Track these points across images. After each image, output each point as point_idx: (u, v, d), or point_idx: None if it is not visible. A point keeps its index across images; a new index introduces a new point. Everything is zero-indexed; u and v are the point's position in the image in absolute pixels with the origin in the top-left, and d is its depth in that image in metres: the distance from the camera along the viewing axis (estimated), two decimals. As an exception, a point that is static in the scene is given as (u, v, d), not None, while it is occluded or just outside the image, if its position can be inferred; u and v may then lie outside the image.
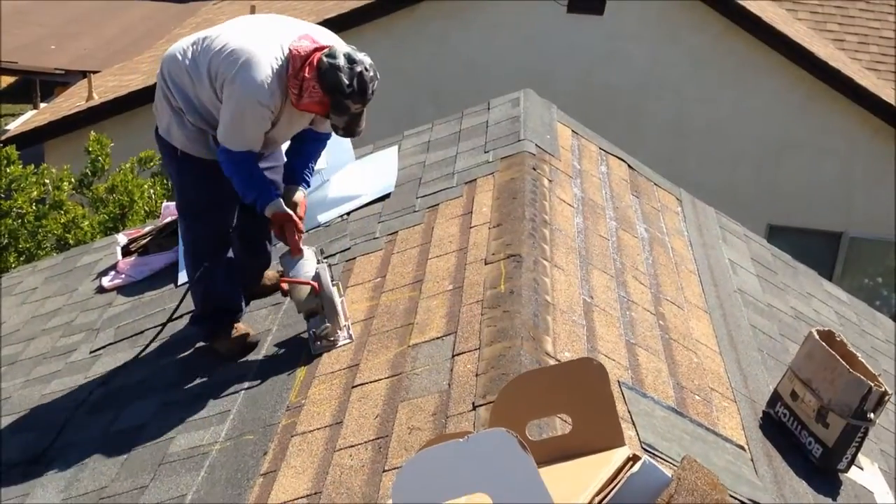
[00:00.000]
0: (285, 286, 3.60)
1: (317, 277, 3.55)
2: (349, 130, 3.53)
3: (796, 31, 11.08)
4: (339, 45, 3.52)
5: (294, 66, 3.45)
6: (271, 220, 3.66)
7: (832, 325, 4.61)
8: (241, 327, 3.82)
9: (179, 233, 4.06)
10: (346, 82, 3.38)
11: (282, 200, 3.65)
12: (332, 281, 3.57)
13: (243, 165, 3.56)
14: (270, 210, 3.62)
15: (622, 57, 10.91)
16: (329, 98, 3.42)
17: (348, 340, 3.49)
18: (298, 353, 3.55)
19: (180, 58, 3.60)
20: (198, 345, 3.94)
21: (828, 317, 4.88)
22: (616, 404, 2.30)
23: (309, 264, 3.61)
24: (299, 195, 3.75)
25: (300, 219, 3.70)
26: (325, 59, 3.41)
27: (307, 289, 3.52)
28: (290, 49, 3.47)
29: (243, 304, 3.94)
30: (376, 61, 3.76)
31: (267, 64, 3.43)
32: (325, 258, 3.79)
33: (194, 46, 3.60)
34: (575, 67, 10.92)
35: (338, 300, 3.53)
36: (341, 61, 3.40)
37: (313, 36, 3.56)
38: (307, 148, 3.85)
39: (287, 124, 3.65)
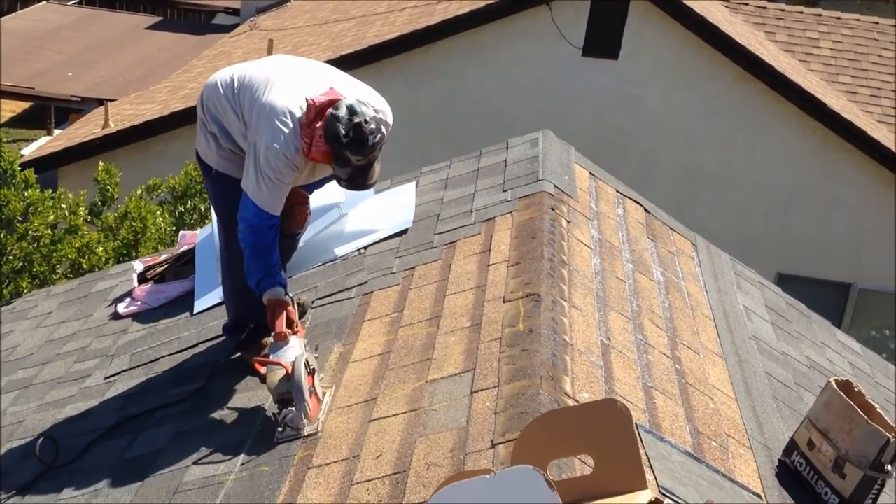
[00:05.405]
0: (260, 368, 3.49)
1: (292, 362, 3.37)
2: (353, 183, 3.57)
3: (809, 81, 11.17)
4: (356, 97, 3.53)
5: (308, 116, 3.51)
6: (266, 305, 3.61)
7: (846, 376, 4.60)
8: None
9: (219, 247, 4.08)
10: (343, 132, 3.41)
11: (283, 289, 3.63)
12: (315, 373, 3.40)
13: (263, 243, 3.59)
14: (269, 296, 3.60)
15: (635, 101, 11.00)
16: (330, 148, 3.46)
17: (314, 432, 3.25)
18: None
19: (221, 90, 3.72)
20: (223, 359, 3.96)
21: (842, 367, 4.87)
22: (638, 447, 2.30)
23: (291, 352, 3.43)
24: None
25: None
26: (331, 110, 3.46)
27: (281, 373, 3.37)
28: (306, 100, 3.53)
29: None
30: (391, 97, 3.75)
31: (288, 118, 3.50)
32: (316, 353, 3.60)
33: (232, 81, 3.71)
34: (588, 109, 11.01)
35: (307, 389, 3.28)
36: (342, 112, 3.44)
37: (338, 88, 3.60)
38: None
39: (310, 174, 3.76)
